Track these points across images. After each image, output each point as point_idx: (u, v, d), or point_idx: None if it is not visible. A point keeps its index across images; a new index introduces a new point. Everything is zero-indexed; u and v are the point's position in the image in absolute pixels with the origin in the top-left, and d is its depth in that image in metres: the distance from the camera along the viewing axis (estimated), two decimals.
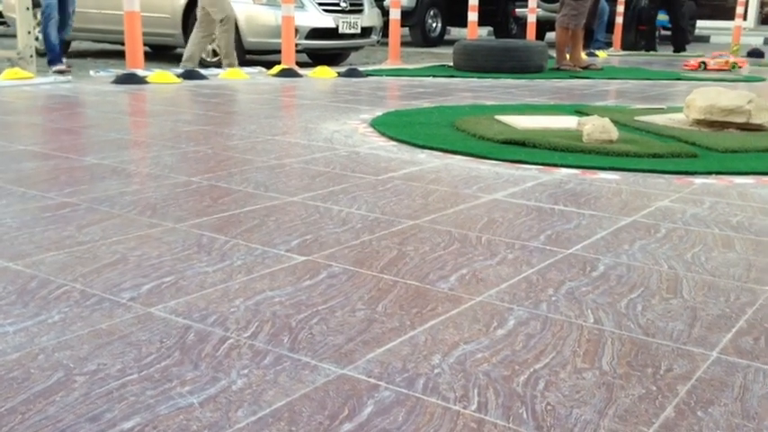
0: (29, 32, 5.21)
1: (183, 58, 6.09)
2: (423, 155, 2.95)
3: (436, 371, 1.20)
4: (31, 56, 5.23)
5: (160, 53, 8.35)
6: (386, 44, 7.79)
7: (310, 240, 1.84)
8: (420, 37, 11.37)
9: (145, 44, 5.83)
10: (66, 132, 3.30)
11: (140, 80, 5.11)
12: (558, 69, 6.79)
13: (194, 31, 6.16)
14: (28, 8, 5.18)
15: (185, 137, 3.21)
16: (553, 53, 7.04)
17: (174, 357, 1.22)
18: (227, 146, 3.03)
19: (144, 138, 3.26)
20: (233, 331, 1.32)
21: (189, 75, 5.52)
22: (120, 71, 5.33)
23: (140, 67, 5.33)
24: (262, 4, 7.02)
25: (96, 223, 1.94)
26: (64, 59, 5.79)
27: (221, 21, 6.00)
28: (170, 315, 1.38)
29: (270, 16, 6.98)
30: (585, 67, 6.94)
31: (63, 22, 5.75)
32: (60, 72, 5.43)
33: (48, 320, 1.34)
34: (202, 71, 5.72)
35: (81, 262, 1.64)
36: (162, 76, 5.30)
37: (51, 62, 5.65)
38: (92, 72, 5.47)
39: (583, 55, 7.27)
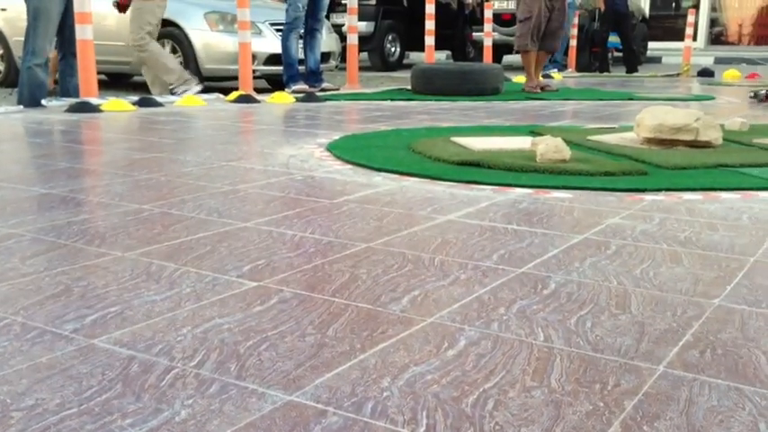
0: None
1: (172, 87, 6.12)
2: (378, 177, 2.95)
3: (385, 394, 1.18)
4: None
5: (117, 81, 8.27)
6: (344, 69, 7.82)
7: (262, 266, 1.82)
8: (379, 61, 11.47)
9: (100, 72, 5.77)
10: (14, 162, 3.23)
11: (94, 108, 5.05)
12: (525, 91, 6.93)
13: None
14: None
15: (138, 164, 3.17)
16: (510, 76, 7.15)
17: (116, 390, 1.18)
18: (180, 173, 2.99)
19: (95, 166, 3.21)
20: (178, 360, 1.29)
21: (144, 102, 5.46)
22: (74, 100, 5.25)
23: (94, 96, 5.26)
24: (219, 31, 7.02)
25: (42, 254, 1.89)
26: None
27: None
28: (114, 346, 1.35)
29: (228, 43, 6.97)
30: (542, 89, 7.07)
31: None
32: (298, 92, 5.12)
33: None
34: (158, 98, 5.68)
35: (24, 294, 1.60)
36: (116, 104, 5.24)
37: (289, 81, 5.35)
38: (44, 101, 5.38)
39: (539, 77, 7.40)
